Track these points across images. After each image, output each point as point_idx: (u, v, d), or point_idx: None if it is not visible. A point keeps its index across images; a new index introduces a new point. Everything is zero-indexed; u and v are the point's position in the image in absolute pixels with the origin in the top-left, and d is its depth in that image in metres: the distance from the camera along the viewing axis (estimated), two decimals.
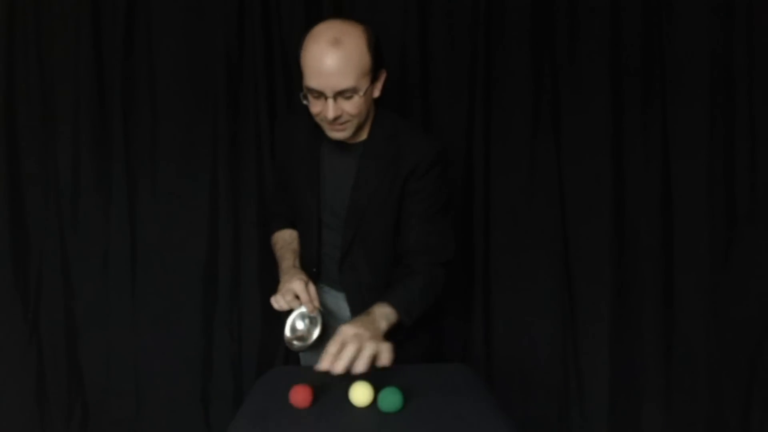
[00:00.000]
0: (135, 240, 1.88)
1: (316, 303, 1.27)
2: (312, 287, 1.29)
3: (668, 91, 1.88)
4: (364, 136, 1.32)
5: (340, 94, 1.19)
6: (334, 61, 1.16)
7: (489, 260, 1.91)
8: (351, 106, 1.21)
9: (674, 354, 1.92)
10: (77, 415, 1.91)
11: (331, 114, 1.19)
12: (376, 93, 1.27)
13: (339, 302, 1.43)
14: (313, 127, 1.32)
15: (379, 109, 1.32)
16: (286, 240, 1.48)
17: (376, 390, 1.03)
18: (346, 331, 1.10)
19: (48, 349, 1.90)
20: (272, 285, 1.86)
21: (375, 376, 1.06)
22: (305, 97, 1.23)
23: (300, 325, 1.28)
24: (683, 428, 1.92)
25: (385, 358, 1.08)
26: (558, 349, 1.92)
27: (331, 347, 1.07)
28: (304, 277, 1.30)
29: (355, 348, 1.05)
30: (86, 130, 1.86)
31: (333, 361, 1.05)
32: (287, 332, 1.27)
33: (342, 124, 1.23)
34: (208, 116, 1.87)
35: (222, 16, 1.84)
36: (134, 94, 1.86)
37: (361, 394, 1.03)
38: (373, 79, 1.24)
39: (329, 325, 1.37)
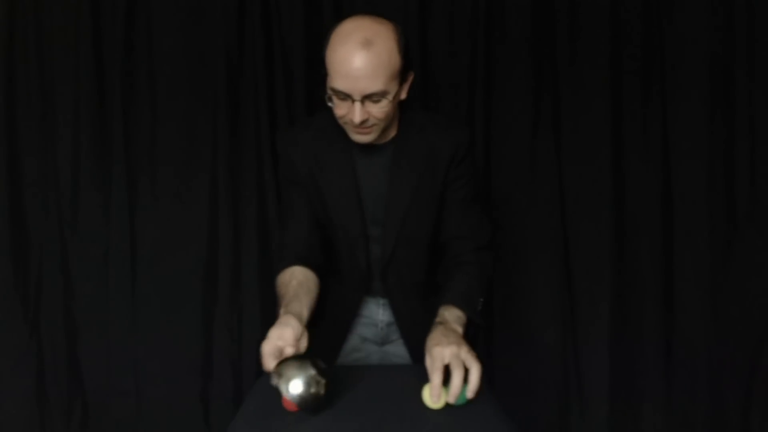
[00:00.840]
0: (135, 240, 1.88)
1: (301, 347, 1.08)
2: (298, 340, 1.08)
3: (668, 91, 1.88)
4: (392, 133, 1.28)
5: (367, 98, 1.13)
6: (363, 64, 1.10)
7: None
8: (378, 110, 1.15)
9: (674, 354, 1.92)
10: (77, 415, 1.91)
11: (357, 118, 1.13)
12: (403, 95, 1.21)
13: (374, 308, 1.40)
14: (338, 135, 1.26)
15: (401, 105, 1.25)
16: (285, 287, 1.29)
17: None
18: (440, 352, 1.03)
19: (48, 349, 1.90)
20: (272, 285, 1.87)
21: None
22: (330, 99, 1.17)
23: (298, 387, 0.98)
24: (683, 428, 1.92)
25: (474, 380, 1.02)
26: (558, 349, 1.92)
27: (435, 378, 1.01)
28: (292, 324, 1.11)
29: (461, 373, 1.01)
30: (86, 130, 1.86)
31: (440, 393, 1.00)
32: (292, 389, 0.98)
33: (368, 127, 1.17)
34: (208, 116, 1.87)
35: (222, 15, 1.84)
36: (134, 94, 1.86)
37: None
38: (401, 81, 1.18)
39: (355, 347, 1.39)
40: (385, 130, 1.23)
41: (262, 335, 1.92)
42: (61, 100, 1.86)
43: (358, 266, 1.33)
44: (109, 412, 1.90)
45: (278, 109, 1.86)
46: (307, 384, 0.97)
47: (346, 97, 1.13)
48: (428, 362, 1.05)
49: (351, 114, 1.14)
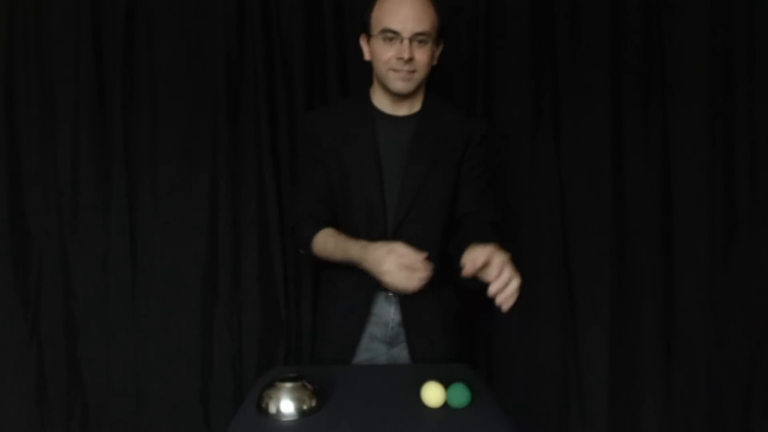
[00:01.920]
0: (135, 240, 1.87)
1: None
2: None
3: (668, 91, 1.89)
4: (416, 108, 1.41)
5: (415, 37, 1.28)
6: (416, 5, 1.29)
7: None
8: (422, 54, 1.31)
9: (674, 354, 1.92)
10: (77, 415, 1.91)
11: (407, 53, 1.28)
12: (435, 59, 1.37)
13: (386, 306, 1.42)
14: (361, 111, 1.40)
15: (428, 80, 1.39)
16: (335, 234, 1.37)
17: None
18: (498, 255, 1.10)
19: (48, 349, 1.90)
20: (272, 285, 1.88)
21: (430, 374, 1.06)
22: (371, 52, 1.35)
23: (289, 406, 1.02)
24: (683, 428, 1.92)
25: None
26: (558, 349, 1.92)
27: (494, 269, 1.08)
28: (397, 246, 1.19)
29: (510, 274, 1.09)
30: (86, 130, 1.86)
31: (500, 286, 1.08)
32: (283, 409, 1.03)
33: (411, 72, 1.31)
34: (208, 116, 1.87)
35: (222, 16, 1.84)
36: (134, 94, 1.86)
37: (434, 394, 1.03)
38: (437, 41, 1.35)
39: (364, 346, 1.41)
40: (416, 90, 1.36)
41: (262, 335, 1.95)
42: (61, 100, 1.86)
43: (375, 229, 1.37)
44: (109, 412, 1.89)
45: (278, 109, 1.86)
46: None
47: (395, 36, 1.29)
48: (474, 254, 1.10)
49: (401, 51, 1.28)
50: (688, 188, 1.89)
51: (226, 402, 1.89)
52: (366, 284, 1.36)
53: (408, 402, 1.05)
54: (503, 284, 1.08)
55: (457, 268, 1.15)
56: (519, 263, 1.88)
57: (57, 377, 1.90)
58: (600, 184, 1.89)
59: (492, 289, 1.08)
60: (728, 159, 1.89)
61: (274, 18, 1.85)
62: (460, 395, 1.03)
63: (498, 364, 1.92)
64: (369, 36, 1.36)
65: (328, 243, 1.36)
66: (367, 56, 1.40)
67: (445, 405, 1.03)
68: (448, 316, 1.47)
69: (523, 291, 1.88)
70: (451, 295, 1.47)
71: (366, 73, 1.50)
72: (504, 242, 1.27)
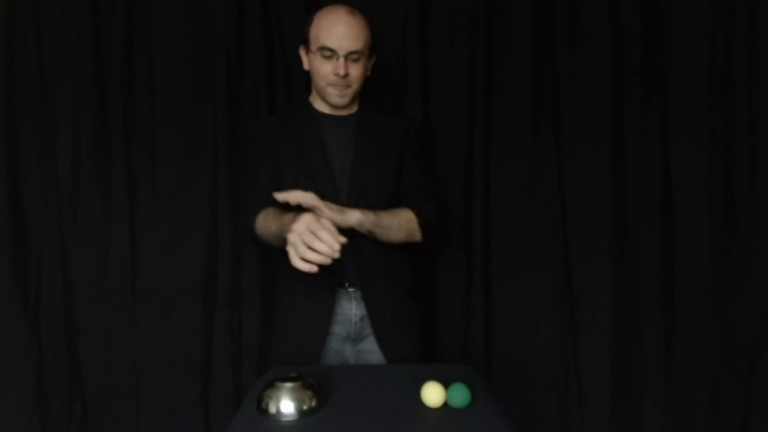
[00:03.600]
0: (135, 240, 1.88)
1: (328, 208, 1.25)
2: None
3: (668, 91, 1.89)
4: (354, 109, 1.51)
5: (350, 55, 1.39)
6: (350, 25, 1.39)
7: (489, 260, 1.91)
8: (356, 69, 1.42)
9: (674, 354, 1.92)
10: (77, 415, 1.91)
11: (342, 70, 1.39)
12: (368, 71, 1.48)
13: (347, 303, 1.45)
14: (304, 113, 1.50)
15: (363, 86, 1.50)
16: (275, 210, 1.37)
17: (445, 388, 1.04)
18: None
19: (48, 349, 1.90)
20: (272, 285, 1.88)
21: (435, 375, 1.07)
22: (309, 59, 1.44)
23: (289, 406, 1.02)
24: (683, 428, 1.92)
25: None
26: (558, 349, 1.92)
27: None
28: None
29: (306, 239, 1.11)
30: (86, 130, 1.86)
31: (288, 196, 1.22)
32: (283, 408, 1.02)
33: (346, 87, 1.42)
34: (208, 116, 1.87)
35: (222, 16, 1.84)
36: (134, 94, 1.86)
37: (434, 394, 1.03)
38: (369, 55, 1.46)
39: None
40: (352, 101, 1.47)
41: (262, 335, 1.95)
42: (61, 100, 1.86)
43: None
44: (109, 412, 1.90)
45: (278, 110, 1.86)
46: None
47: (332, 55, 1.39)
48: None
49: (337, 68, 1.39)
50: (688, 188, 1.89)
51: (226, 402, 1.89)
52: (327, 283, 1.41)
53: (408, 402, 1.05)
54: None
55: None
56: (519, 263, 1.90)
57: (57, 377, 1.90)
58: (600, 184, 1.89)
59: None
60: (728, 158, 1.89)
61: (274, 18, 1.85)
62: (460, 395, 1.03)
63: (498, 364, 1.92)
64: (307, 49, 1.46)
65: (266, 219, 1.36)
66: (306, 66, 1.49)
67: (445, 405, 1.03)
68: (406, 307, 1.52)
69: (523, 291, 1.91)
70: (402, 274, 1.52)
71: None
72: (427, 217, 1.46)
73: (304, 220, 1.12)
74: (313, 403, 1.02)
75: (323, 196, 1.36)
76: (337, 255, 1.10)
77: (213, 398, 1.91)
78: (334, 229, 1.12)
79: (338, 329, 1.44)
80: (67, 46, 1.85)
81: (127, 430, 1.89)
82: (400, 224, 1.42)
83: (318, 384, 1.06)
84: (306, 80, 1.84)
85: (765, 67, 1.86)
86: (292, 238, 1.12)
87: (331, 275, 1.38)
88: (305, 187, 1.34)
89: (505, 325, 1.92)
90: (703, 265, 1.89)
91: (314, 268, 1.10)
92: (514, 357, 1.92)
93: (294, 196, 1.25)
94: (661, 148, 1.90)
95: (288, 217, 1.24)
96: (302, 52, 1.50)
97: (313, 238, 1.10)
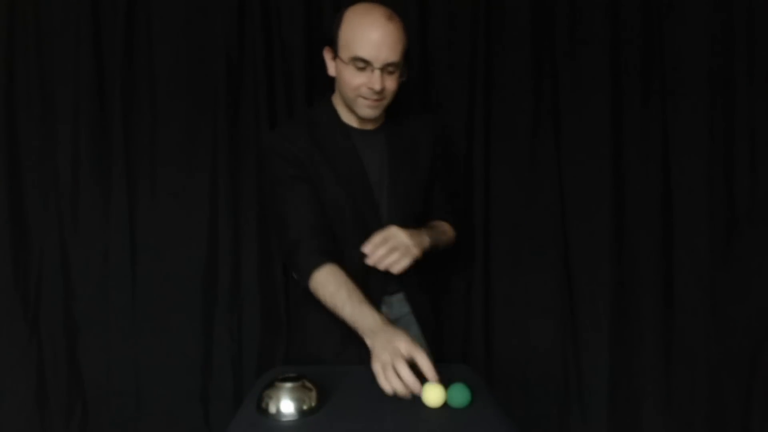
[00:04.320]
0: (135, 240, 1.88)
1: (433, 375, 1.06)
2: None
3: (668, 91, 1.89)
4: (381, 119, 1.40)
5: (386, 67, 1.24)
6: (389, 33, 1.22)
7: (489, 260, 1.91)
8: (391, 83, 1.27)
9: (674, 354, 1.92)
10: (77, 415, 1.91)
11: (378, 85, 1.23)
12: (405, 75, 1.33)
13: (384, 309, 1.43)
14: (334, 123, 1.36)
15: None
16: (340, 282, 1.24)
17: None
18: (397, 233, 1.21)
19: (48, 349, 1.90)
20: (272, 285, 1.88)
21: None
22: (337, 66, 1.29)
23: (289, 406, 1.02)
24: (683, 428, 1.92)
25: (401, 265, 1.20)
26: (558, 349, 1.92)
27: (376, 238, 1.19)
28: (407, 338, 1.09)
29: (389, 249, 1.18)
30: (86, 130, 1.86)
31: (373, 249, 1.17)
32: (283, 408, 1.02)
33: (380, 100, 1.28)
34: (208, 116, 1.87)
35: (222, 16, 1.84)
36: (134, 94, 1.86)
37: (434, 395, 1.03)
38: (405, 62, 1.30)
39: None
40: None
41: (262, 335, 1.95)
42: (61, 100, 1.86)
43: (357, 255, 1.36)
44: (109, 412, 1.89)
45: (278, 110, 1.86)
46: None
47: (365, 66, 1.23)
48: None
49: (372, 82, 1.24)
50: (688, 188, 1.89)
51: (226, 402, 1.89)
52: (371, 293, 1.32)
53: (408, 402, 1.05)
54: (387, 264, 1.19)
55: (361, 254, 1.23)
56: (519, 263, 1.90)
57: (57, 377, 1.90)
58: (600, 185, 1.89)
59: (380, 266, 1.20)
60: (728, 159, 1.89)
61: (274, 18, 1.85)
62: (460, 395, 1.03)
63: (498, 364, 1.92)
64: (335, 54, 1.29)
65: (336, 296, 1.23)
66: (331, 72, 1.33)
67: (445, 405, 1.03)
68: (432, 305, 1.56)
69: (523, 291, 1.91)
70: (424, 282, 1.53)
71: None
72: (457, 225, 1.51)
73: (389, 352, 1.06)
74: (313, 403, 1.02)
75: (364, 219, 1.33)
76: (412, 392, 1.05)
77: (213, 398, 1.91)
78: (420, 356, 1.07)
79: None
80: (67, 46, 1.85)
81: (127, 430, 1.89)
82: (447, 242, 1.47)
83: (318, 384, 1.06)
84: (310, 82, 1.85)
85: (765, 67, 1.86)
86: (377, 366, 1.08)
87: (377, 284, 1.36)
88: (347, 211, 1.33)
89: (505, 325, 1.92)
90: (703, 265, 1.89)
91: (399, 392, 1.05)
92: (514, 357, 1.92)
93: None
94: (660, 148, 1.90)
95: (365, 320, 1.16)
96: (327, 56, 1.33)
97: (398, 368, 1.05)
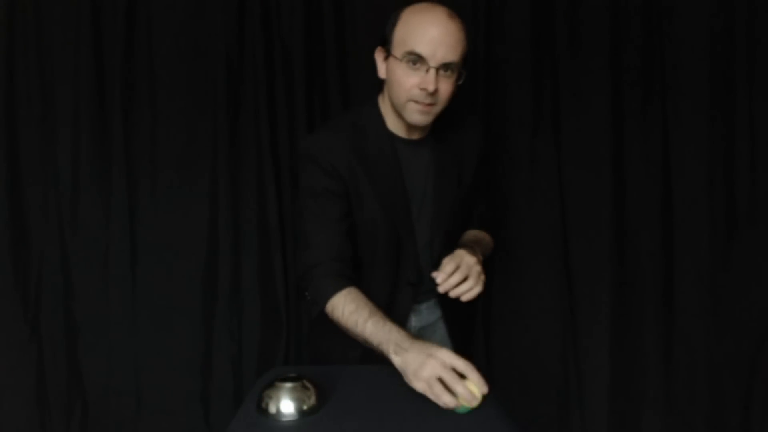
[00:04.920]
0: (135, 240, 1.88)
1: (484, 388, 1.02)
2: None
3: (668, 91, 1.88)
4: (428, 129, 1.31)
5: (442, 68, 1.16)
6: (449, 31, 1.15)
7: (489, 260, 1.90)
8: (446, 85, 1.18)
9: (674, 354, 1.92)
10: (77, 415, 1.91)
11: (432, 86, 1.15)
12: (461, 80, 1.24)
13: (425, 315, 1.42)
14: (377, 130, 1.27)
15: None
16: (360, 306, 1.17)
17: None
18: (468, 260, 1.14)
19: (48, 349, 1.90)
20: (272, 285, 1.88)
21: None
22: (388, 66, 1.21)
23: (289, 406, 1.02)
24: (683, 428, 1.92)
25: (473, 293, 1.14)
26: (558, 349, 1.92)
27: (449, 266, 1.12)
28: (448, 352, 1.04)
29: (463, 276, 1.12)
30: (86, 130, 1.86)
31: (446, 278, 1.11)
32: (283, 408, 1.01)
33: (432, 105, 1.19)
34: (208, 117, 1.87)
35: (222, 16, 1.84)
36: (134, 94, 1.86)
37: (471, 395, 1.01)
38: (461, 70, 1.22)
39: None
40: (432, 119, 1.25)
41: (262, 335, 1.95)
42: (61, 100, 1.86)
43: (404, 265, 1.31)
44: (109, 412, 1.90)
45: (278, 110, 1.86)
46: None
47: (421, 65, 1.15)
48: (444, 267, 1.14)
49: (426, 82, 1.15)
50: (688, 188, 1.89)
51: (226, 402, 1.89)
52: (405, 295, 1.33)
53: (408, 402, 1.05)
54: (461, 292, 1.13)
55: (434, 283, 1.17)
56: (519, 263, 1.90)
57: (57, 377, 1.90)
58: (600, 184, 1.89)
59: (452, 294, 1.13)
60: (728, 159, 1.89)
61: (274, 18, 1.85)
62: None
63: (498, 364, 1.92)
64: (388, 53, 1.22)
65: (356, 319, 1.15)
66: (381, 74, 1.26)
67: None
68: (467, 314, 1.56)
69: (523, 291, 1.91)
70: None
71: (367, 74, 1.50)
72: (494, 232, 1.46)
73: (430, 367, 1.00)
74: (313, 403, 1.02)
75: (399, 237, 1.28)
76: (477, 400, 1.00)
77: (213, 398, 1.91)
78: (463, 363, 1.02)
79: None
80: (67, 46, 1.84)
81: (127, 430, 1.90)
82: (486, 250, 1.42)
83: (318, 384, 1.06)
84: (310, 82, 1.85)
85: (765, 68, 1.86)
86: (419, 385, 1.02)
87: (405, 298, 1.35)
88: (382, 228, 1.26)
89: (505, 325, 1.92)
90: (703, 265, 1.89)
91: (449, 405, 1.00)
92: (514, 357, 1.92)
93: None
94: (661, 148, 1.90)
95: (392, 331, 1.09)
96: (379, 57, 1.26)
97: (451, 384, 1.00)
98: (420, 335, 1.40)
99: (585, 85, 1.88)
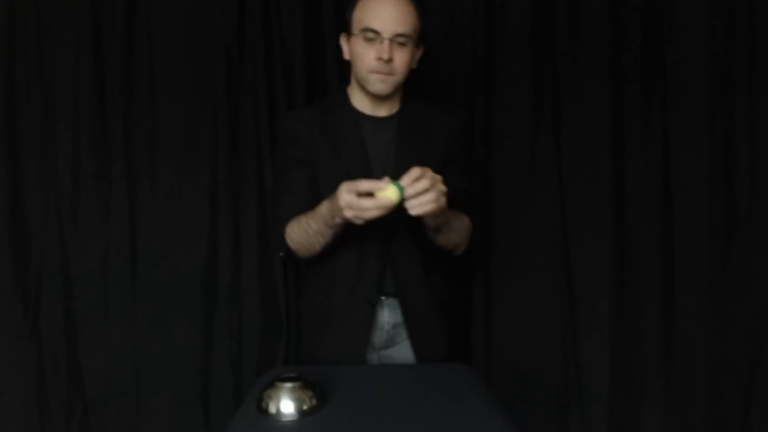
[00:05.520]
0: (135, 240, 1.88)
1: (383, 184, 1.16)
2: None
3: (668, 92, 1.88)
4: (396, 108, 1.42)
5: (396, 38, 1.29)
6: (398, 6, 1.30)
7: (489, 260, 1.91)
8: (401, 55, 1.31)
9: (674, 354, 1.92)
10: (77, 415, 1.91)
11: (386, 54, 1.28)
12: (414, 62, 1.38)
13: (379, 310, 1.41)
14: (344, 108, 1.40)
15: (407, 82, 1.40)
16: (303, 215, 1.33)
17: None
18: (434, 174, 1.18)
19: (48, 349, 1.90)
20: (272, 285, 1.88)
21: None
22: (351, 51, 1.35)
23: (289, 406, 1.03)
24: (683, 428, 1.92)
25: (433, 207, 1.16)
26: (558, 349, 1.92)
27: (415, 170, 1.16)
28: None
29: (428, 184, 1.15)
30: (86, 130, 1.86)
31: (411, 182, 1.15)
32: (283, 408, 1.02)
33: (389, 74, 1.31)
34: (208, 116, 1.87)
35: (222, 16, 1.84)
36: (134, 94, 1.86)
37: (390, 193, 1.13)
38: (417, 44, 1.36)
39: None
40: (393, 93, 1.37)
41: (262, 335, 1.95)
42: (61, 100, 1.86)
43: (366, 243, 1.35)
44: (109, 412, 1.90)
45: (278, 110, 1.86)
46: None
47: (375, 37, 1.29)
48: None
49: (380, 51, 1.29)
50: (688, 188, 1.89)
51: (226, 402, 1.89)
52: (365, 294, 1.36)
53: (408, 402, 1.05)
54: (417, 191, 1.15)
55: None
56: (519, 263, 1.90)
57: (57, 377, 1.90)
58: (600, 184, 1.89)
59: (412, 202, 1.16)
60: (728, 159, 1.89)
61: (274, 18, 1.85)
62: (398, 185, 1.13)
63: (498, 364, 1.92)
64: (349, 35, 1.37)
65: (300, 224, 1.33)
66: (346, 55, 1.40)
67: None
68: (444, 312, 1.47)
69: (523, 291, 1.91)
70: (442, 284, 1.48)
71: None
72: (474, 220, 1.45)
73: (343, 192, 1.16)
74: (313, 403, 1.02)
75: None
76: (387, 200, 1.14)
77: (213, 398, 1.91)
78: (368, 182, 1.17)
79: (372, 338, 1.41)
80: (67, 46, 1.84)
81: (127, 430, 1.89)
82: (460, 229, 1.40)
83: (318, 384, 1.06)
84: (310, 82, 1.85)
85: (765, 68, 1.86)
86: (349, 213, 1.17)
87: (369, 285, 1.36)
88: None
89: (505, 325, 1.92)
90: (703, 265, 1.89)
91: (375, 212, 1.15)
92: (514, 357, 1.92)
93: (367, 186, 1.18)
94: (661, 148, 1.90)
95: (322, 207, 1.25)
96: (343, 40, 1.40)
97: (360, 206, 1.15)
98: (395, 333, 1.42)
99: (585, 85, 1.88)
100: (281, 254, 1.43)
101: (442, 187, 1.18)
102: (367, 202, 1.15)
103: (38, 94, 1.86)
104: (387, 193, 1.14)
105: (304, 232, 1.31)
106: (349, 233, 1.32)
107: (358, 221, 1.17)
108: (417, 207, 1.15)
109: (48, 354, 1.90)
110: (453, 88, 1.89)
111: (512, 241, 1.91)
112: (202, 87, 1.86)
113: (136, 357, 1.88)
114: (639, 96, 1.89)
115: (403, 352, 1.43)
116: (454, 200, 1.36)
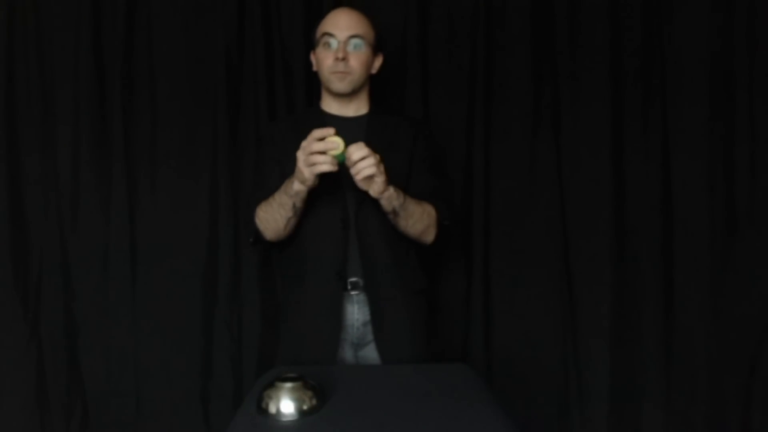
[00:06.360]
0: (135, 240, 1.88)
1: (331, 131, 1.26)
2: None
3: (668, 92, 1.89)
4: (364, 110, 1.53)
5: (350, 40, 1.42)
6: (351, 15, 1.47)
7: (489, 260, 1.91)
8: (356, 57, 1.44)
9: (674, 354, 1.92)
10: (77, 415, 1.91)
11: (341, 53, 1.41)
12: (375, 68, 1.52)
13: (349, 307, 1.43)
14: (316, 115, 1.51)
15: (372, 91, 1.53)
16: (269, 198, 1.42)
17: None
18: (377, 156, 1.26)
19: (48, 349, 1.90)
20: (272, 285, 1.88)
21: None
22: (316, 58, 1.49)
23: (289, 406, 1.02)
24: (683, 428, 1.92)
25: (370, 172, 1.25)
26: (558, 349, 1.92)
27: (359, 143, 1.26)
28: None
29: (375, 161, 1.25)
30: (86, 130, 1.86)
31: (356, 150, 1.24)
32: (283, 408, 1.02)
33: (346, 72, 1.43)
34: (208, 116, 1.87)
35: (222, 16, 1.84)
36: (134, 94, 1.86)
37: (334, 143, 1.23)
38: (374, 51, 1.49)
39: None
40: (354, 93, 1.48)
41: (262, 335, 1.95)
42: (61, 100, 1.86)
43: (336, 235, 1.41)
44: (109, 412, 1.90)
45: (278, 110, 1.86)
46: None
47: (332, 40, 1.43)
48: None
49: (336, 53, 1.42)
50: (688, 188, 1.89)
51: (226, 402, 1.89)
52: (330, 288, 1.40)
53: (408, 402, 1.05)
54: (360, 155, 1.25)
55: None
56: (519, 263, 1.90)
57: (57, 377, 1.90)
58: (600, 184, 1.89)
59: (349, 149, 1.26)
60: (728, 159, 1.89)
61: (274, 18, 1.85)
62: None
63: (498, 364, 1.92)
64: (315, 49, 1.50)
65: (266, 202, 1.40)
66: (315, 68, 1.53)
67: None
68: (415, 311, 1.49)
69: (523, 291, 1.91)
70: (413, 274, 1.50)
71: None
72: (448, 218, 1.48)
73: (301, 163, 1.27)
74: (313, 403, 1.02)
75: (331, 199, 1.41)
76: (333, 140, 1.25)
77: (213, 398, 1.91)
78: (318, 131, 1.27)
79: (342, 334, 1.43)
80: (67, 46, 1.85)
81: (127, 430, 1.89)
82: (421, 214, 1.41)
83: (318, 384, 1.06)
84: (310, 82, 1.85)
85: (765, 68, 1.86)
86: (307, 171, 1.26)
87: (338, 279, 1.39)
88: (312, 190, 1.35)
89: (505, 325, 1.92)
90: (703, 265, 1.89)
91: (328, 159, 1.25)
92: (514, 357, 1.92)
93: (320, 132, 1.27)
94: (661, 149, 1.90)
95: (286, 184, 1.34)
96: (312, 56, 1.54)
97: (312, 159, 1.25)
98: (365, 331, 1.44)
99: (585, 85, 1.88)
100: (251, 239, 1.49)
101: (383, 167, 1.28)
102: (316, 144, 1.25)
103: (38, 94, 1.86)
104: (334, 138, 1.25)
105: (269, 206, 1.39)
106: (316, 218, 1.41)
107: (310, 173, 1.26)
108: (361, 171, 1.25)
109: (48, 354, 1.90)
110: (453, 89, 1.89)
111: (512, 241, 1.91)
112: (202, 87, 1.87)
113: (136, 357, 1.88)
114: (639, 96, 1.89)
115: (374, 353, 1.44)
116: (423, 195, 1.44)
